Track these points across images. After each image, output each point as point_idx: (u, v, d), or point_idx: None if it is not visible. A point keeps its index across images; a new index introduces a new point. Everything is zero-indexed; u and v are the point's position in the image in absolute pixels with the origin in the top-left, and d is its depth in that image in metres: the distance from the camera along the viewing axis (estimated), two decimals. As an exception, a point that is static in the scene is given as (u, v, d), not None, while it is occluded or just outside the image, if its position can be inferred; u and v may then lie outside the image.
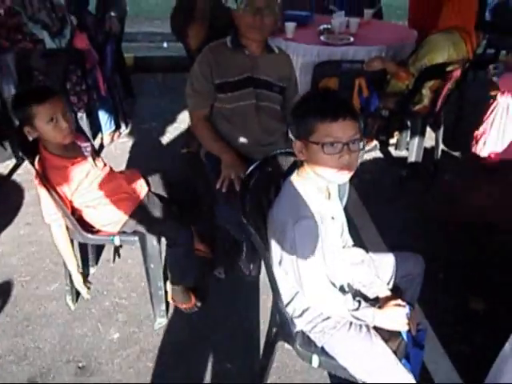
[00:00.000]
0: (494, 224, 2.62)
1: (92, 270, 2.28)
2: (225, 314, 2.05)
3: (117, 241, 1.83)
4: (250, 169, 1.39)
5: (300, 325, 1.39)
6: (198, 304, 2.06)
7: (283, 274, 1.35)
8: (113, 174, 1.89)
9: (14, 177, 3.11)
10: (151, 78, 4.99)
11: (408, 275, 1.59)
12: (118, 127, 3.60)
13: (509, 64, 3.11)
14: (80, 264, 2.08)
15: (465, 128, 3.43)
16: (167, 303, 2.02)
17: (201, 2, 2.80)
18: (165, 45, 6.00)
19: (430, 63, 2.59)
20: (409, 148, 2.95)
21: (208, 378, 1.78)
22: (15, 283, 2.22)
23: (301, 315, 1.39)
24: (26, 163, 3.25)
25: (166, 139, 3.68)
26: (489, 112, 2.99)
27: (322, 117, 1.16)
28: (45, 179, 1.67)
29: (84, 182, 1.76)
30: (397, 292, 1.51)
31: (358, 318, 1.31)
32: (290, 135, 1.30)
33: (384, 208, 2.74)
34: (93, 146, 1.88)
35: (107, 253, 2.40)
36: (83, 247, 2.22)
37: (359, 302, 1.32)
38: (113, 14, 3.49)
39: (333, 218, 1.37)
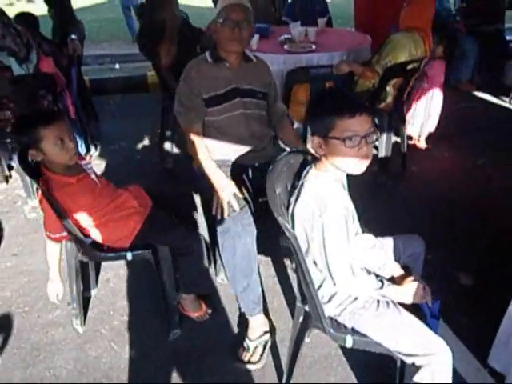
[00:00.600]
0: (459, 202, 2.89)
1: (93, 292, 2.26)
2: (236, 317, 2.10)
3: (129, 256, 1.85)
4: (270, 169, 1.47)
5: (329, 310, 1.49)
6: (209, 311, 2.10)
7: (310, 263, 1.44)
8: (117, 191, 1.91)
9: (-11, 208, 3.01)
10: (109, 99, 4.96)
11: (413, 254, 1.73)
12: (88, 150, 3.56)
13: (436, 54, 3.42)
14: (81, 286, 2.07)
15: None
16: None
17: (171, 22, 2.87)
18: (117, 66, 5.97)
19: (394, 61, 2.80)
20: (378, 144, 3.14)
21: (232, 379, 1.83)
22: (14, 315, 2.16)
23: (329, 300, 1.49)
24: (-3, 194, 3.16)
25: (137, 157, 3.68)
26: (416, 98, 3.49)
27: (340, 114, 1.28)
28: (51, 199, 1.66)
29: (90, 199, 1.77)
30: (407, 270, 1.64)
31: (383, 296, 1.43)
32: (309, 135, 1.39)
33: (362, 202, 2.89)
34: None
35: (105, 272, 2.38)
36: (83, 269, 2.20)
37: (381, 281, 1.44)
38: (73, 36, 3.46)
39: (348, 207, 1.49)
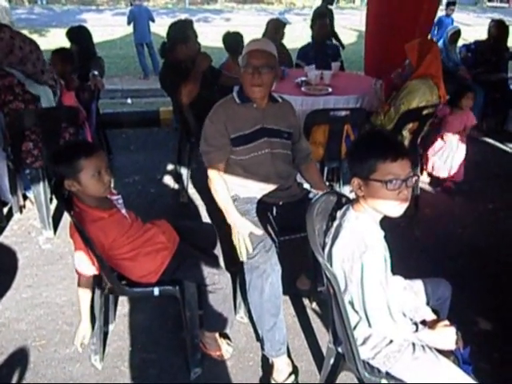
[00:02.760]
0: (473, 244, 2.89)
1: (111, 327, 2.23)
2: (257, 357, 2.07)
3: (156, 291, 1.84)
4: (308, 210, 1.49)
5: (363, 352, 1.48)
6: (230, 350, 2.07)
7: (346, 304, 1.44)
8: (145, 225, 1.92)
9: (2, 239, 2.99)
10: (121, 133, 5.02)
11: (440, 298, 1.74)
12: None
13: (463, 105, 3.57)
14: (102, 320, 2.04)
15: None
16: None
17: (202, 64, 2.98)
18: (129, 101, 6.09)
19: (408, 104, 2.92)
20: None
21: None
22: (30, 349, 2.12)
23: (364, 343, 1.48)
24: (12, 225, 3.15)
25: (151, 191, 3.70)
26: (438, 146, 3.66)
27: (383, 157, 1.32)
28: (83, 232, 1.67)
29: (121, 233, 1.78)
30: (437, 314, 1.64)
31: (419, 339, 1.43)
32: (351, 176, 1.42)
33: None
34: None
35: (122, 307, 2.36)
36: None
37: (416, 324, 1.44)
38: (95, 72, 3.56)
39: (385, 249, 1.50)
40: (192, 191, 3.61)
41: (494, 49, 5.06)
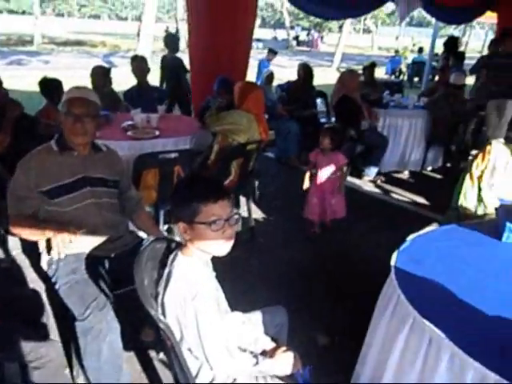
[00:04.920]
0: (309, 267, 3.14)
1: None
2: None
3: None
4: (136, 260, 1.44)
5: (208, 398, 1.45)
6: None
7: (185, 352, 1.41)
8: None
9: None
10: None
11: (278, 325, 1.82)
12: None
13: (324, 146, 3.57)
14: None
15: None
16: None
17: (11, 113, 2.72)
18: None
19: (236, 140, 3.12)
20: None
21: None
22: None
23: (208, 388, 1.46)
24: None
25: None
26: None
27: (205, 200, 1.35)
28: None
29: None
30: (276, 342, 1.71)
31: (260, 371, 1.47)
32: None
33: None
34: None
35: None
36: None
37: (255, 356, 1.48)
38: None
39: (218, 288, 1.52)
40: (16, 252, 3.21)
41: (303, 88, 5.73)
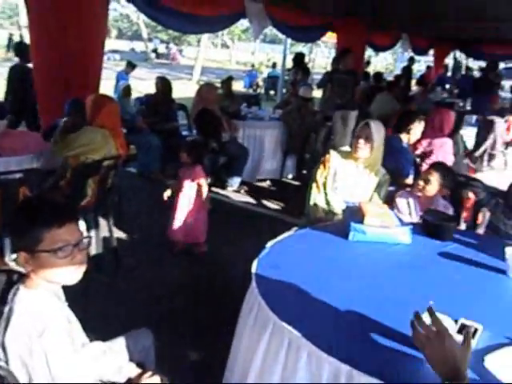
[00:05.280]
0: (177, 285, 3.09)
1: None
2: None
3: None
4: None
5: None
6: None
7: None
8: None
9: None
10: None
11: (143, 349, 1.74)
12: None
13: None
14: None
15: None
16: None
17: None
18: None
19: (90, 158, 2.91)
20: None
21: None
22: None
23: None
24: None
25: None
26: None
27: (48, 225, 1.22)
28: None
29: None
30: (142, 367, 1.63)
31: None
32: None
33: (81, 307, 2.75)
34: None
35: None
36: None
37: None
38: None
39: (70, 319, 1.40)
40: None
41: (163, 101, 5.65)
